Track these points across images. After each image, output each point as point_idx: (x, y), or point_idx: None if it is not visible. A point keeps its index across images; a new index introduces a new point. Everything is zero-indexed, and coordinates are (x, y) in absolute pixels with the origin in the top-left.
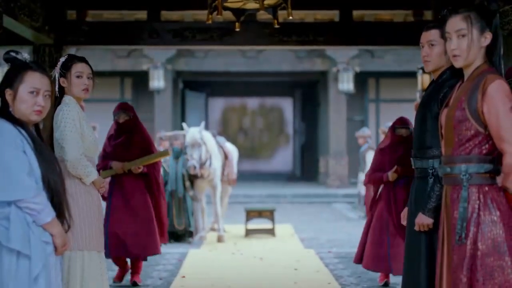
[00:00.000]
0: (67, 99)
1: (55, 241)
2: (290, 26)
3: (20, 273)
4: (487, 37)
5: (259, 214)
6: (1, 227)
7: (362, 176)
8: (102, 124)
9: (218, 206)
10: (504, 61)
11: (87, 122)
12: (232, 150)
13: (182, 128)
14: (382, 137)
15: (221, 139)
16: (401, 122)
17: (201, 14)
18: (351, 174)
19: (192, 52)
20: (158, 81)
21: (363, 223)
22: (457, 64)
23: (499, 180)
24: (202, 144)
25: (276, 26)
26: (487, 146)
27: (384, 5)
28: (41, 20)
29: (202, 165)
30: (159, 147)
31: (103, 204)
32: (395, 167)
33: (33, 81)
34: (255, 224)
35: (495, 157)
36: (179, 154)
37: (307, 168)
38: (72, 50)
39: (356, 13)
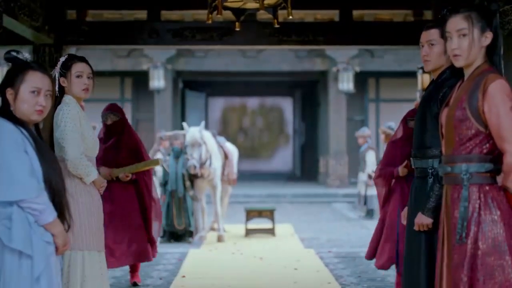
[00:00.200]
0: (67, 98)
1: (56, 241)
2: (290, 26)
3: (22, 273)
4: (488, 37)
5: (259, 214)
6: (3, 227)
7: (362, 176)
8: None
9: (218, 206)
10: (504, 60)
11: (87, 121)
12: (232, 150)
13: (182, 128)
14: (382, 137)
15: (221, 139)
16: (414, 114)
17: (201, 14)
18: (351, 174)
19: (192, 52)
20: (158, 81)
21: (363, 222)
22: (458, 63)
23: (499, 179)
24: (202, 144)
25: (276, 26)
26: (487, 145)
27: (384, 5)
28: (41, 20)
29: (202, 164)
30: (160, 147)
31: None
32: (406, 161)
33: (35, 80)
34: (255, 224)
35: (495, 156)
36: (179, 154)
37: (307, 168)
38: (72, 50)
39: (356, 13)
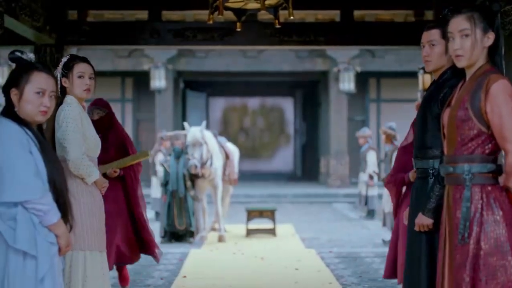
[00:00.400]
0: (68, 99)
1: (59, 242)
2: (291, 26)
3: (26, 274)
4: (490, 37)
5: (260, 214)
6: (8, 228)
7: (363, 176)
8: None
9: (219, 206)
10: (505, 61)
11: (89, 122)
12: (233, 150)
13: (183, 128)
14: (383, 137)
15: (222, 139)
16: None
17: (202, 14)
18: (352, 174)
19: (193, 52)
20: (159, 81)
21: (363, 223)
22: (460, 64)
23: (501, 180)
24: (203, 144)
25: (277, 26)
26: (490, 145)
27: (385, 5)
28: (42, 20)
29: (203, 164)
30: (161, 147)
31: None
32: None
33: (39, 81)
34: (256, 224)
35: (497, 157)
36: (180, 154)
37: (308, 168)
38: (73, 50)
39: (357, 13)
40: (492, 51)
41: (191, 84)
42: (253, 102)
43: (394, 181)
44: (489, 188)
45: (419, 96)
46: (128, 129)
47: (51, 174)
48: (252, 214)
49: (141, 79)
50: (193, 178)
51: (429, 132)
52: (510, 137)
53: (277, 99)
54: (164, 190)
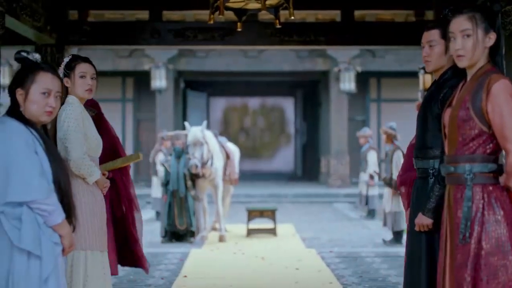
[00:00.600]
0: (70, 99)
1: (63, 242)
2: (292, 26)
3: (30, 274)
4: (492, 38)
5: (261, 213)
6: (13, 227)
7: (363, 176)
8: None
9: (219, 205)
10: (505, 61)
11: (91, 121)
12: (234, 149)
13: (183, 128)
14: (383, 137)
15: (223, 139)
16: None
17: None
18: (353, 174)
19: (193, 52)
20: (159, 80)
21: (364, 222)
22: (462, 64)
23: (501, 179)
24: (204, 143)
25: (278, 26)
26: (491, 145)
27: (385, 5)
28: (43, 20)
29: (203, 164)
30: (161, 146)
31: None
32: None
33: (45, 82)
34: (256, 224)
35: (498, 156)
36: (180, 153)
37: (309, 168)
38: (74, 50)
39: (357, 13)
40: (493, 51)
41: (192, 84)
42: (254, 102)
43: (404, 181)
44: (490, 188)
45: (419, 96)
46: (129, 129)
47: (56, 174)
48: (252, 214)
49: (142, 79)
50: (194, 178)
51: (430, 132)
52: (511, 137)
53: (277, 99)
54: (164, 190)
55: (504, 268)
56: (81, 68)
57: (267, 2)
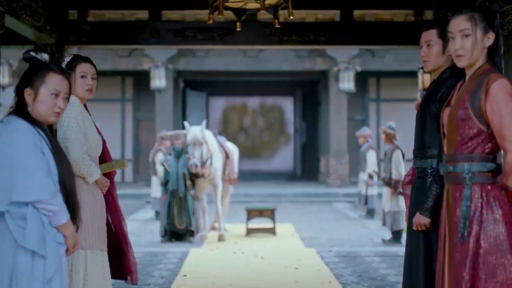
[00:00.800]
0: (71, 98)
1: (67, 242)
2: (291, 25)
3: (34, 273)
4: (490, 38)
5: (260, 213)
6: (18, 227)
7: (362, 176)
8: (103, 124)
9: (219, 205)
10: (504, 60)
11: (91, 121)
12: (233, 149)
13: (183, 127)
14: (382, 136)
15: (222, 139)
16: None
17: (202, 14)
18: (352, 174)
19: (193, 51)
20: (159, 80)
21: (363, 222)
22: (461, 64)
23: (499, 179)
24: (204, 143)
25: (277, 26)
26: (490, 145)
27: (384, 4)
28: (42, 19)
29: (203, 164)
30: (161, 146)
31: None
32: None
33: (55, 83)
34: (256, 223)
35: (497, 156)
36: (180, 153)
37: (308, 168)
38: (73, 50)
39: (357, 12)
40: (492, 51)
41: (191, 84)
42: (253, 102)
43: (410, 182)
44: (489, 187)
45: (418, 96)
46: (128, 129)
47: (61, 175)
48: (252, 214)
49: (141, 79)
50: (193, 177)
51: (428, 131)
52: (509, 136)
53: (277, 99)
54: (164, 189)
55: (502, 266)
56: (82, 68)
57: (266, 2)
